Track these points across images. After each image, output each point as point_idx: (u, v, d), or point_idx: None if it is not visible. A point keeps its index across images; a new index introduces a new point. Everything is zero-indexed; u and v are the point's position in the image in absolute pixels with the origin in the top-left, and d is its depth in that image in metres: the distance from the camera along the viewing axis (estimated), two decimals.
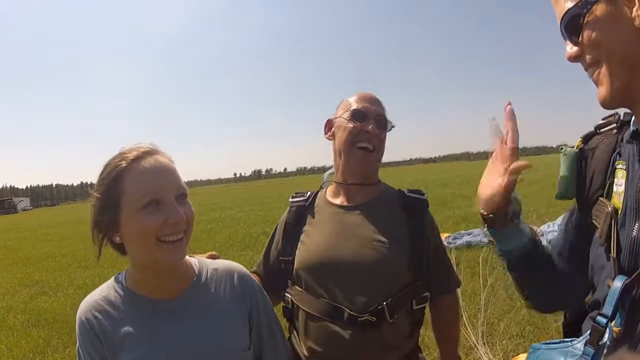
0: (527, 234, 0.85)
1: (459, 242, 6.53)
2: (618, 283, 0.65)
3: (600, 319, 0.67)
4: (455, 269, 1.42)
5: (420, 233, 1.25)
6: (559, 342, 0.74)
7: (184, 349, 0.92)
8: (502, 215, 0.82)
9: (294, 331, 1.32)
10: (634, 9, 0.59)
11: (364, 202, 1.29)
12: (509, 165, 0.79)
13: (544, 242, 0.91)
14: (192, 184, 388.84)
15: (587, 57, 0.66)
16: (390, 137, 1.34)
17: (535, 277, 0.87)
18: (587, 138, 0.84)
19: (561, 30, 0.69)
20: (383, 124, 1.29)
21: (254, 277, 1.14)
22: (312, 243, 1.27)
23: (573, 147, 0.85)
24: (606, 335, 0.65)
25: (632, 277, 0.64)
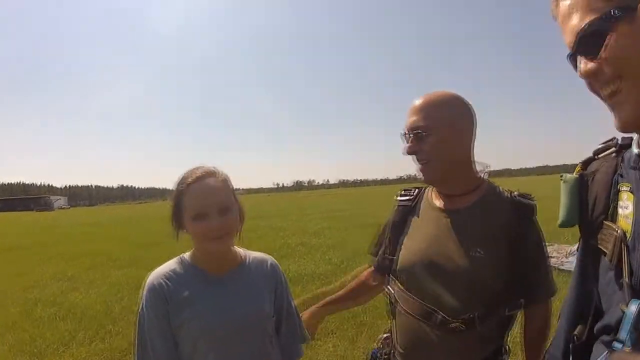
0: None
1: None
2: (633, 307, 0.65)
3: (617, 344, 0.67)
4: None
5: (521, 239, 1.19)
6: None
7: (230, 309, 1.23)
8: None
9: (394, 323, 1.41)
10: None
11: (463, 207, 1.27)
12: None
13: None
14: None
15: (608, 71, 0.63)
16: None
17: None
18: (585, 163, 0.85)
19: (575, 46, 0.65)
20: (419, 136, 1.24)
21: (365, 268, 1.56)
22: (411, 245, 1.33)
23: (572, 173, 0.86)
24: None
25: None
